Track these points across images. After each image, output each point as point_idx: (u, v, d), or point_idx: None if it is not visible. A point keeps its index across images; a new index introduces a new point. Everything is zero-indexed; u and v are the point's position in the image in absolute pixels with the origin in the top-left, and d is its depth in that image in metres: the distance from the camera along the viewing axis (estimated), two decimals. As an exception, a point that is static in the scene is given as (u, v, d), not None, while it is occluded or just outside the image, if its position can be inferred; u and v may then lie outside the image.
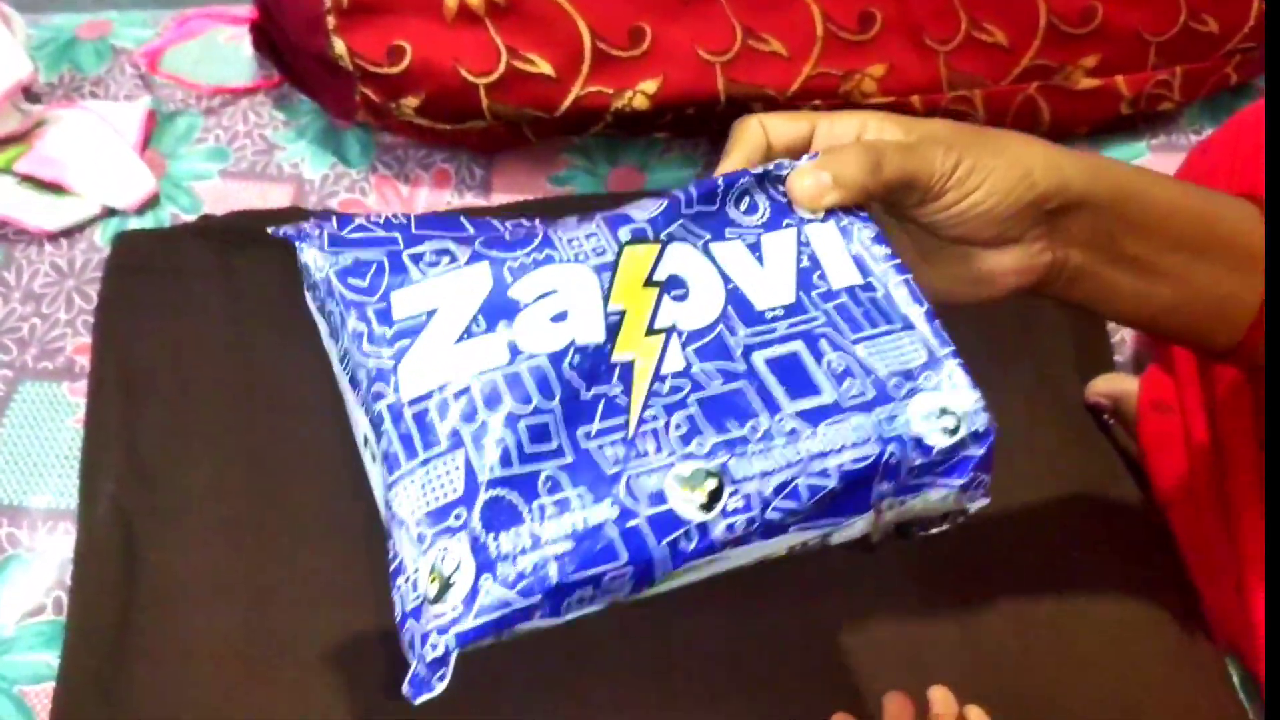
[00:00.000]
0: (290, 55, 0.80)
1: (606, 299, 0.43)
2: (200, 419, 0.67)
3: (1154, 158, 0.82)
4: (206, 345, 0.70)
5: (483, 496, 0.40)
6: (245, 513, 0.65)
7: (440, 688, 0.38)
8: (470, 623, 0.38)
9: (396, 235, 0.46)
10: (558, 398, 0.41)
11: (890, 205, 0.47)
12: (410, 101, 0.75)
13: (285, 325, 0.70)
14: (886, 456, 0.41)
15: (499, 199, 0.80)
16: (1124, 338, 0.74)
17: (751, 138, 0.47)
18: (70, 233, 0.77)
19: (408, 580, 0.40)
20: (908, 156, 0.45)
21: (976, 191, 0.45)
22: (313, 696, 0.59)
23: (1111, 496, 0.66)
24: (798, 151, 0.47)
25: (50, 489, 0.67)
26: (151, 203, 0.78)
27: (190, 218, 0.77)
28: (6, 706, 0.60)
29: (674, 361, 0.42)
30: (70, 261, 0.75)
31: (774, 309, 0.44)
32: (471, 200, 0.80)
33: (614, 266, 0.44)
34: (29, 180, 0.77)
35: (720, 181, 0.46)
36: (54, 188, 0.77)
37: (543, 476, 0.40)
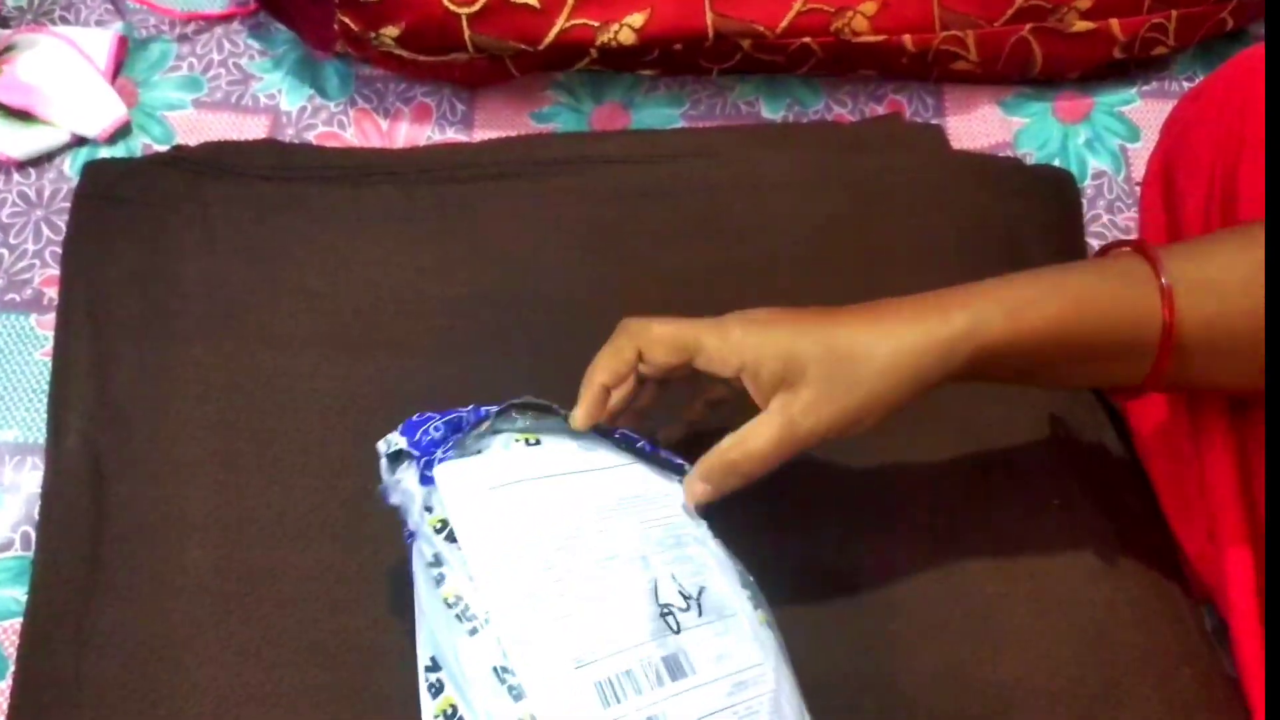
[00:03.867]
0: (266, -19, 0.78)
1: None
2: (171, 354, 0.66)
3: (1145, 104, 0.80)
4: (178, 279, 0.69)
5: None
6: (217, 448, 0.63)
7: None
8: None
9: None
10: None
11: None
12: (390, 31, 0.73)
13: (259, 259, 0.70)
14: None
15: (481, 135, 0.78)
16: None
17: (617, 366, 0.53)
18: (39, 162, 0.75)
19: None
20: (770, 461, 0.51)
21: (848, 433, 0.51)
22: (285, 633, 0.59)
23: (1093, 445, 0.66)
24: (672, 375, 0.54)
25: (17, 423, 0.66)
26: (123, 132, 0.76)
27: (163, 148, 0.75)
28: (-27, 641, 0.59)
29: None
30: (39, 191, 0.73)
31: None
32: (453, 135, 0.78)
33: None
34: (-4, 107, 0.75)
35: None
36: (22, 115, 0.75)
37: None
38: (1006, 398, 0.65)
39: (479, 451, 0.52)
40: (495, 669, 0.46)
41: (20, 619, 0.59)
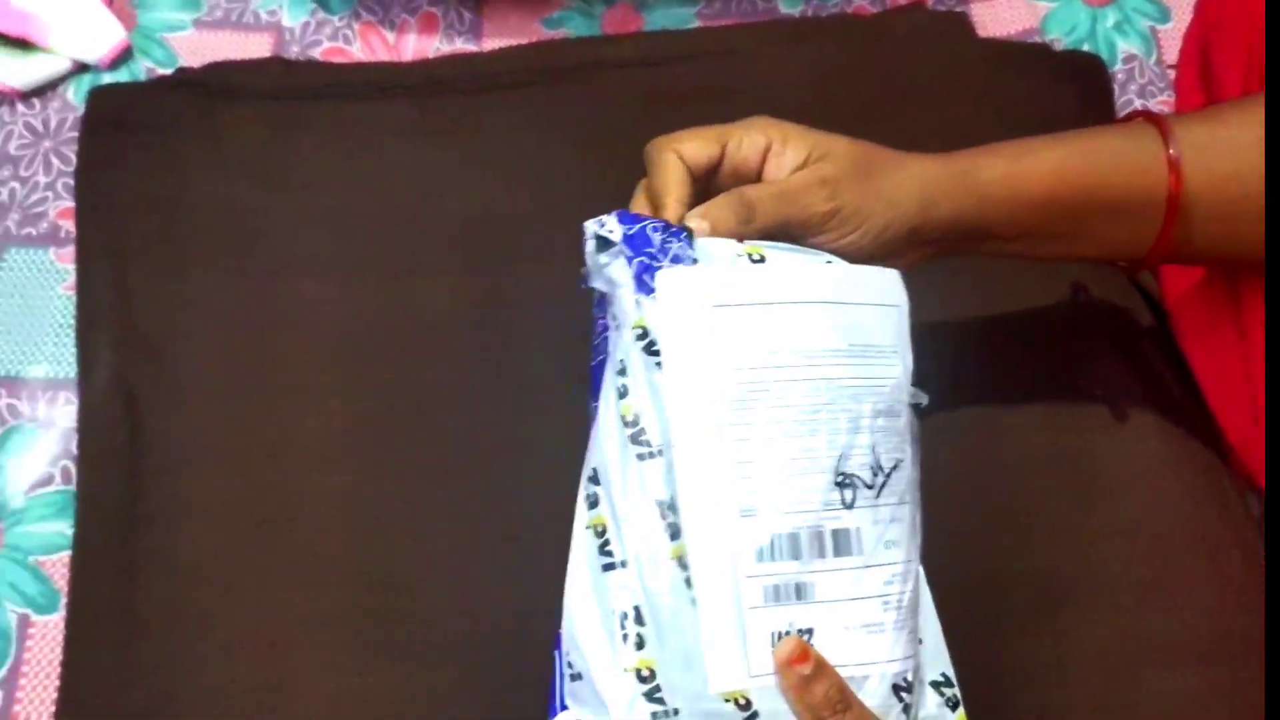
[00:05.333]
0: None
1: None
2: (194, 282, 0.65)
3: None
4: (194, 205, 0.67)
5: None
6: (244, 375, 0.63)
7: None
8: None
9: None
10: None
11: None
12: (392, -62, 0.71)
13: (274, 181, 0.68)
14: None
15: (490, 44, 0.76)
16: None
17: (675, 173, 0.49)
18: (42, 91, 0.73)
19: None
20: (783, 204, 0.48)
21: (853, 234, 0.49)
22: (328, 556, 0.59)
23: (1134, 332, 0.65)
24: (709, 174, 0.50)
25: (46, 358, 0.65)
26: (124, 56, 0.74)
27: (166, 71, 0.73)
28: (23, 576, 0.59)
29: None
30: (45, 121, 0.72)
31: None
32: (461, 46, 0.76)
33: None
34: (-7, 36, 0.73)
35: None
36: (20, 43, 0.73)
37: None
38: (1050, 279, 0.64)
39: (695, 260, 0.47)
40: (658, 502, 0.45)
41: (68, 552, 0.59)
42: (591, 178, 0.69)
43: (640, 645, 0.45)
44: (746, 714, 0.45)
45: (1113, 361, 0.64)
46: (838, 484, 0.46)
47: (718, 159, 0.50)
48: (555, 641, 0.47)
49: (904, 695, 0.47)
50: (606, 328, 0.49)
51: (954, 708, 0.49)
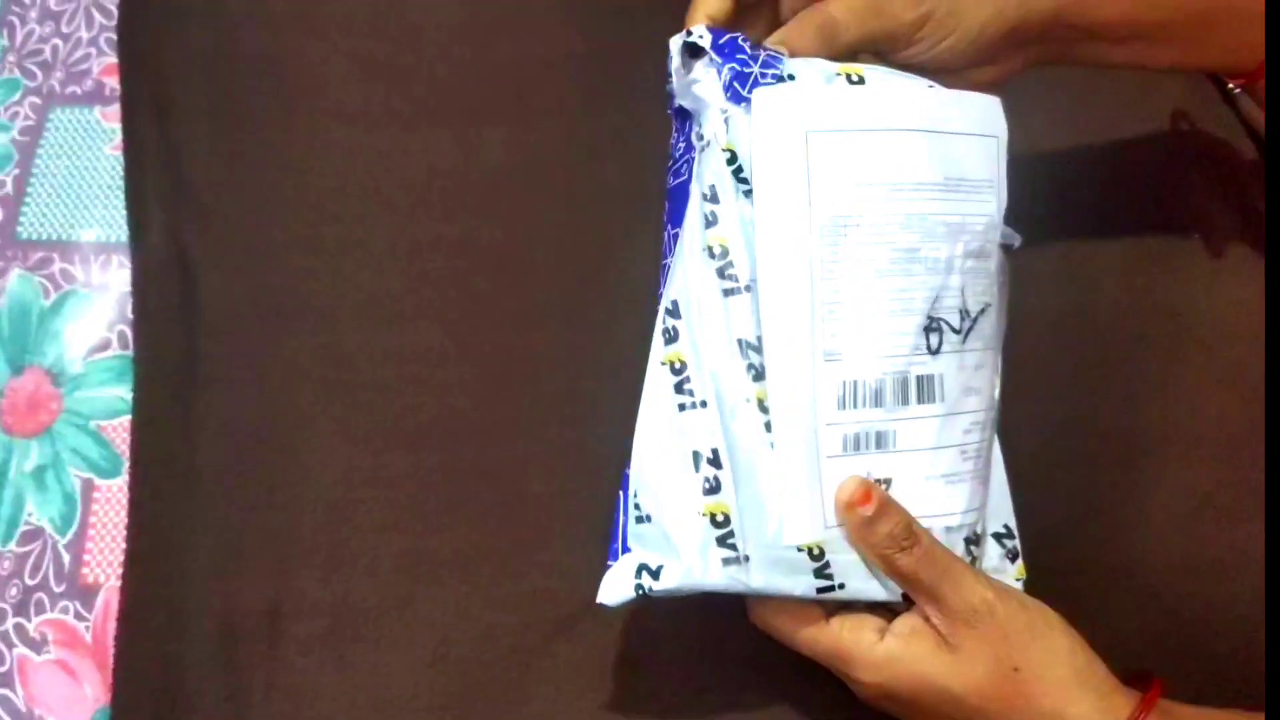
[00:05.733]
0: None
1: None
2: (244, 137, 0.63)
3: None
4: (241, 57, 0.65)
5: None
6: (300, 233, 0.61)
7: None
8: None
9: None
10: None
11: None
12: None
13: (320, 29, 0.66)
14: None
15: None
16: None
17: None
18: (79, -56, 0.70)
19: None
20: (868, 19, 0.44)
21: (948, 39, 0.45)
22: (390, 416, 0.58)
23: (1236, 168, 0.61)
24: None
25: (97, 222, 0.64)
26: (161, -95, 0.71)
27: (204, -81, 0.70)
28: (85, 441, 0.59)
29: None
30: (83, -26, 0.69)
31: None
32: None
33: None
34: (26, -113, 0.70)
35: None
36: (54, -106, 0.70)
37: None
38: (1149, 105, 0.60)
39: (791, 77, 0.43)
40: (741, 341, 0.43)
41: (129, 416, 0.59)
42: (652, 18, 0.65)
43: (716, 489, 0.43)
44: (819, 564, 0.43)
45: (1213, 199, 0.60)
46: (925, 328, 0.43)
47: None
48: (621, 482, 0.46)
49: (972, 548, 0.46)
50: (691, 148, 0.45)
51: (1014, 559, 0.48)
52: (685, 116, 0.46)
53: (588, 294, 0.60)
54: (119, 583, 0.55)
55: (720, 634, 0.52)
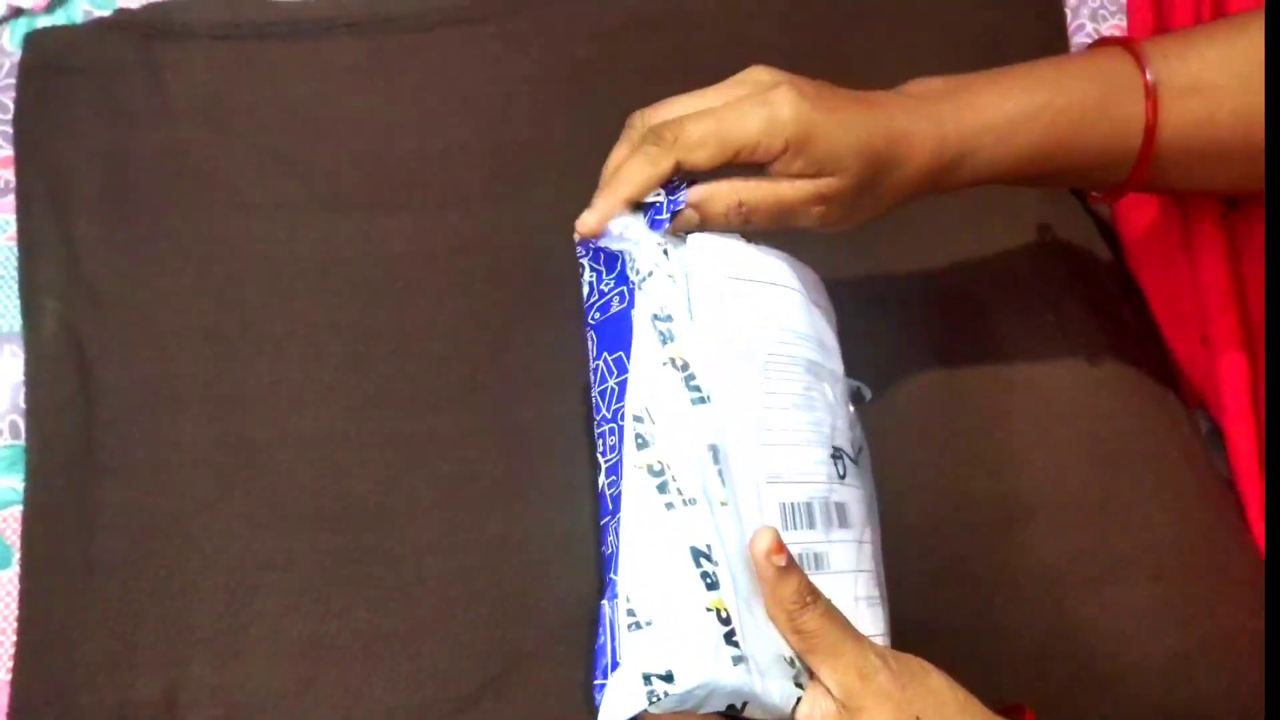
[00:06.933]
0: None
1: None
2: (142, 228, 0.64)
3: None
4: (139, 151, 0.66)
5: None
6: (199, 321, 0.62)
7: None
8: None
9: None
10: None
11: None
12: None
13: (222, 125, 0.67)
14: None
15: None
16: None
17: (656, 175, 0.48)
18: (-25, 36, 0.71)
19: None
20: (779, 216, 0.49)
21: (837, 225, 0.50)
22: (290, 500, 0.58)
23: (1084, 256, 0.66)
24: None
25: (-10, 310, 0.63)
26: None
27: (104, 13, 0.71)
28: (-26, 532, 0.58)
29: None
30: (-21, 68, 0.69)
31: None
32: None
33: None
34: (-80, -20, 0.71)
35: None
36: (-50, -12, 0.71)
37: None
38: (998, 212, 0.65)
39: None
40: (711, 447, 0.44)
41: (20, 506, 0.58)
42: (547, 113, 0.69)
43: (715, 584, 0.43)
44: (795, 671, 0.44)
45: (1062, 285, 0.65)
46: (832, 456, 0.47)
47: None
48: (606, 593, 0.44)
49: None
50: (626, 281, 0.47)
51: None
52: (611, 259, 0.48)
53: (484, 378, 0.62)
54: (8, 677, 0.54)
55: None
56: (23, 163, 0.66)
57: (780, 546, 0.43)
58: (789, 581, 0.43)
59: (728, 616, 0.43)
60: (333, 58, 0.69)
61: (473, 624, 0.56)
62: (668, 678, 0.42)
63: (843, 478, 0.47)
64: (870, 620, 0.47)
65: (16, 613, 0.55)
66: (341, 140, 0.67)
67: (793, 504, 0.45)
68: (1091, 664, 0.56)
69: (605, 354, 0.47)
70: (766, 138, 0.47)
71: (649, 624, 0.43)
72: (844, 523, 0.47)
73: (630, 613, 0.43)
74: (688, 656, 0.42)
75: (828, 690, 0.44)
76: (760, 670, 0.43)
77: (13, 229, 0.64)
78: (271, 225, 0.64)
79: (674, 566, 0.43)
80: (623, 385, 0.46)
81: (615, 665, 0.43)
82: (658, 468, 0.44)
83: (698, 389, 0.45)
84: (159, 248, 0.63)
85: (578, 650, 0.53)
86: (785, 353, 0.47)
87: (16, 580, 0.57)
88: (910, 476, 0.59)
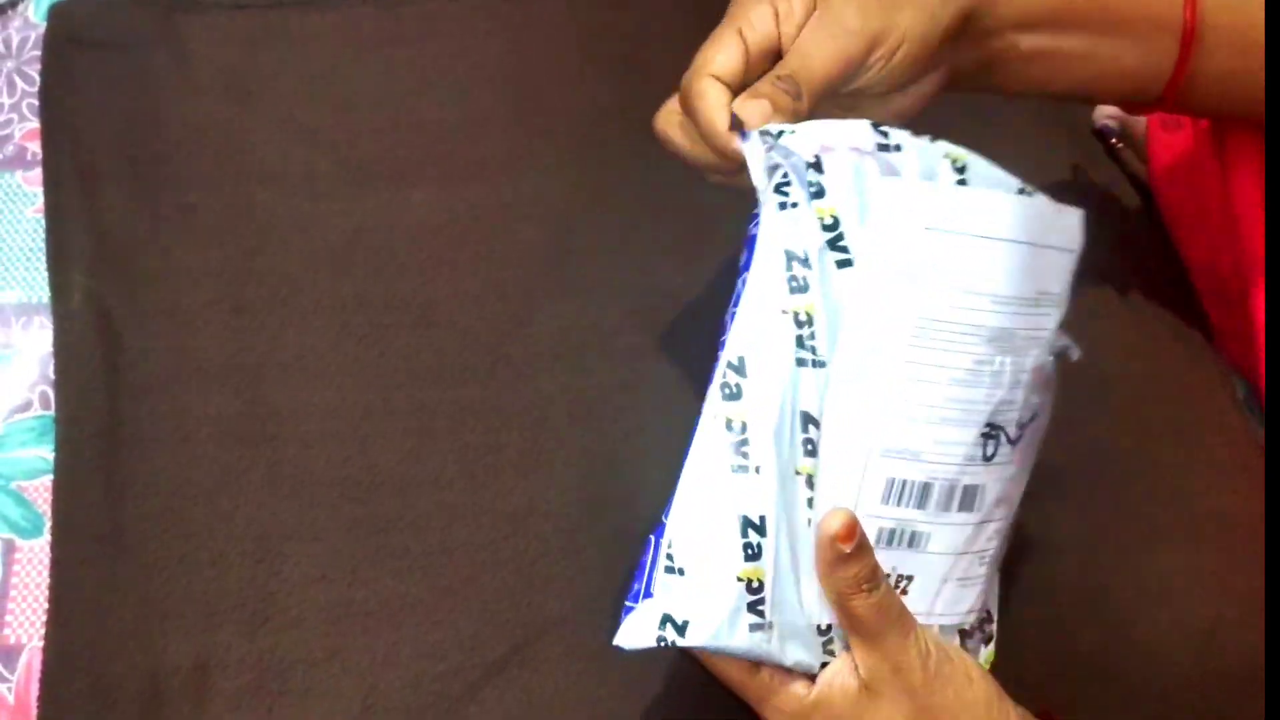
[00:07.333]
0: None
1: None
2: (167, 201, 0.64)
3: None
4: (164, 123, 0.66)
5: None
6: (226, 294, 0.62)
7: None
8: None
9: None
10: None
11: None
12: None
13: (246, 96, 0.67)
14: None
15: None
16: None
17: (720, 100, 0.45)
18: (3, 10, 0.71)
19: None
20: (831, 65, 0.45)
21: (895, 56, 0.46)
22: (316, 471, 0.58)
23: (1121, 222, 0.65)
24: (752, 72, 0.46)
25: (18, 283, 0.64)
26: (84, -27, 0.72)
27: (128, -13, 0.71)
28: (6, 502, 0.59)
29: None
30: (6, 41, 0.70)
31: None
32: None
33: None
34: (-54, -45, 0.71)
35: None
36: (-25, -38, 0.71)
37: None
38: (1037, 172, 0.64)
39: (898, 148, 0.43)
40: (803, 413, 0.42)
41: (50, 476, 0.59)
42: (568, 81, 0.68)
43: (757, 555, 0.43)
44: (825, 639, 0.44)
45: (1102, 253, 0.63)
46: (984, 435, 0.44)
47: (745, 55, 0.46)
48: (655, 527, 0.44)
49: (966, 641, 0.47)
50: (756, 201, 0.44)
51: (988, 643, 0.49)
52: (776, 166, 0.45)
53: (509, 350, 0.62)
54: (41, 644, 0.55)
55: (647, 674, 0.54)
56: (49, 136, 0.66)
57: (851, 533, 0.42)
58: (850, 567, 0.42)
59: (759, 585, 0.42)
60: (354, 28, 0.69)
61: (498, 592, 0.56)
62: (681, 628, 0.42)
63: (989, 459, 0.44)
64: (954, 601, 0.45)
65: (48, 581, 0.56)
66: (364, 111, 0.67)
67: (904, 481, 0.43)
68: (1123, 631, 0.56)
69: (743, 271, 0.44)
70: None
71: (681, 572, 0.43)
72: (969, 505, 0.44)
73: (669, 556, 0.43)
74: (703, 616, 0.42)
75: (855, 668, 0.44)
76: (783, 637, 0.43)
77: (40, 202, 0.65)
78: (296, 197, 0.64)
79: (720, 530, 0.43)
80: (732, 318, 0.44)
81: (649, 594, 0.43)
82: (737, 425, 0.42)
83: (813, 350, 0.42)
84: (185, 220, 0.63)
85: (602, 618, 0.53)
86: (958, 319, 0.42)
87: (48, 549, 0.57)
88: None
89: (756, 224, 0.44)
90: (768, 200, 0.44)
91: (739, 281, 0.45)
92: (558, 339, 0.62)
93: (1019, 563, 0.57)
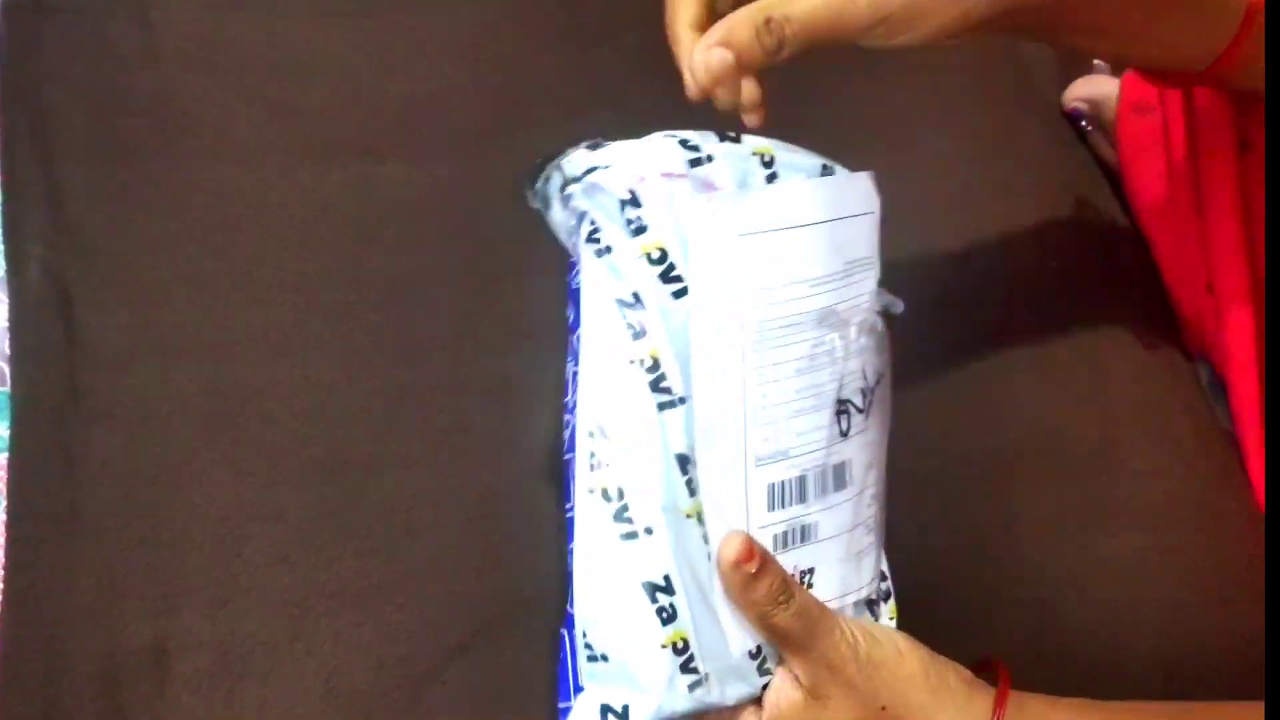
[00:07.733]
0: None
1: None
2: (128, 173, 0.63)
3: None
4: (126, 93, 0.64)
5: None
6: (187, 268, 0.61)
7: None
8: None
9: None
10: None
11: None
12: None
13: (210, 67, 0.66)
14: None
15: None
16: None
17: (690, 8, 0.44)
18: (-44, -24, 0.69)
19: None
20: (821, 24, 0.42)
21: (903, 37, 0.43)
22: (280, 450, 0.58)
23: (1089, 204, 0.65)
24: None
25: (-27, 256, 0.62)
26: (43, -62, 0.70)
27: (88, -48, 0.70)
28: (-39, 479, 0.58)
29: None
30: (-40, 8, 0.68)
31: None
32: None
33: None
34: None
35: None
36: (-71, -75, 0.69)
37: None
38: (1006, 155, 0.64)
39: (710, 159, 0.43)
40: (678, 456, 0.42)
41: (6, 453, 0.57)
42: (537, 52, 0.67)
43: (673, 617, 0.43)
44: (758, 661, 0.44)
45: (1069, 234, 0.64)
46: (836, 413, 0.44)
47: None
48: (564, 620, 0.45)
49: (871, 609, 0.48)
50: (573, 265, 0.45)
51: (886, 599, 0.50)
52: (576, 219, 0.45)
53: (477, 327, 0.61)
54: (-4, 624, 0.54)
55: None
56: (6, 106, 0.64)
57: (749, 554, 0.42)
58: (760, 585, 0.43)
59: (685, 644, 0.43)
60: (319, -1, 0.68)
61: (464, 573, 0.55)
62: (623, 714, 0.43)
63: (845, 434, 0.45)
64: (855, 575, 0.46)
65: (2, 560, 0.55)
66: (331, 83, 0.66)
67: (782, 483, 0.44)
68: (1085, 611, 0.56)
69: (571, 331, 0.45)
70: None
71: (604, 658, 0.43)
72: (841, 483, 0.45)
73: (588, 646, 0.43)
74: (641, 695, 0.43)
75: (796, 678, 0.45)
76: (721, 681, 0.44)
77: (-3, 174, 0.63)
78: (259, 172, 0.63)
79: (629, 604, 0.43)
80: (574, 376, 0.44)
81: (579, 689, 0.44)
82: (614, 493, 0.42)
83: (668, 390, 0.42)
84: (146, 193, 0.62)
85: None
86: (789, 313, 0.43)
87: (3, 528, 0.56)
88: (905, 425, 0.58)
89: (576, 276, 0.44)
90: (583, 252, 0.43)
91: (572, 339, 0.44)
92: (526, 316, 0.61)
93: (979, 546, 0.57)
